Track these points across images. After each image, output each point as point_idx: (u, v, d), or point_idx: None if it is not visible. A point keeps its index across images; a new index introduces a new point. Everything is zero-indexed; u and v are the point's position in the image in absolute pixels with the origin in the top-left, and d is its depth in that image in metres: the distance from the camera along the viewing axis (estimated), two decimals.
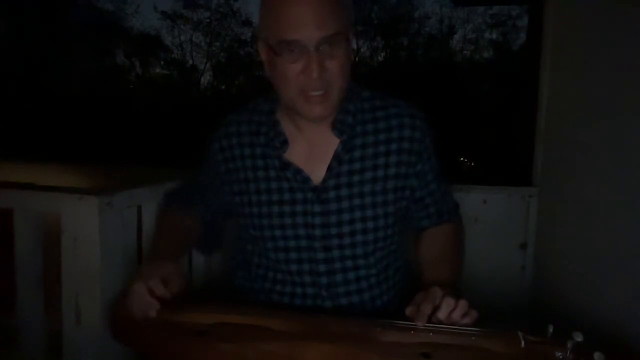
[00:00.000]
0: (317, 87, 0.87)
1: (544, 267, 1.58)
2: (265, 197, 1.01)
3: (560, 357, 0.70)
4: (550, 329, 0.73)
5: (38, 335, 1.17)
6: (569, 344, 0.69)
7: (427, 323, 0.78)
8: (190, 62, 22.17)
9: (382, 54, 20.82)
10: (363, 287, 1.01)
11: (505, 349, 0.73)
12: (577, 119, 1.36)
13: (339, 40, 0.86)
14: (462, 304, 0.80)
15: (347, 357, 0.73)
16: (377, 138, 0.99)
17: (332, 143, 0.99)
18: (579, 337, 0.69)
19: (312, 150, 1.00)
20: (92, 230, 1.04)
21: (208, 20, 21.73)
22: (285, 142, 1.00)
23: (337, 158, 0.98)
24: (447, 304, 0.79)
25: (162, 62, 21.78)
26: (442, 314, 0.79)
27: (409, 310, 0.81)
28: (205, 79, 22.61)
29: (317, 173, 0.99)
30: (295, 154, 1.00)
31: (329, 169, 0.98)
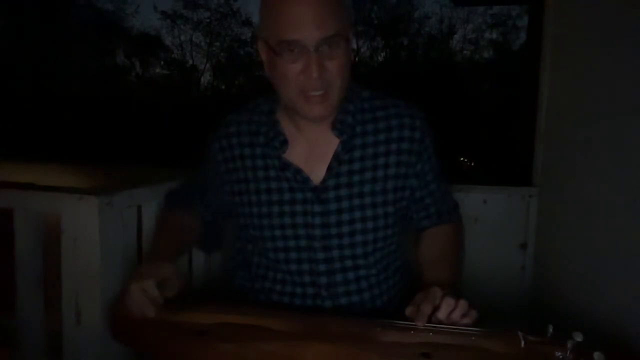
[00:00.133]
0: (317, 87, 0.87)
1: (544, 267, 1.58)
2: (265, 197, 1.01)
3: (560, 357, 0.70)
4: (550, 329, 0.73)
5: (38, 335, 1.17)
6: (569, 344, 0.69)
7: (427, 323, 0.78)
8: (190, 62, 22.19)
9: (382, 54, 20.85)
10: (363, 287, 1.01)
11: (505, 349, 0.73)
12: (577, 119, 1.36)
13: (338, 41, 0.86)
14: (462, 304, 0.80)
15: (347, 357, 0.73)
16: (377, 138, 0.99)
17: (332, 143, 0.99)
18: (579, 337, 0.69)
19: (312, 151, 1.00)
20: (92, 230, 1.04)
21: (208, 20, 21.75)
22: (285, 142, 1.00)
23: (337, 158, 0.98)
24: (447, 304, 0.79)
25: (162, 62, 21.81)
26: (442, 314, 0.79)
27: (408, 311, 0.81)
28: (205, 79, 22.64)
29: (317, 173, 0.99)
30: (295, 154, 1.00)
31: (329, 169, 0.98)
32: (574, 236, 1.33)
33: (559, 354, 0.70)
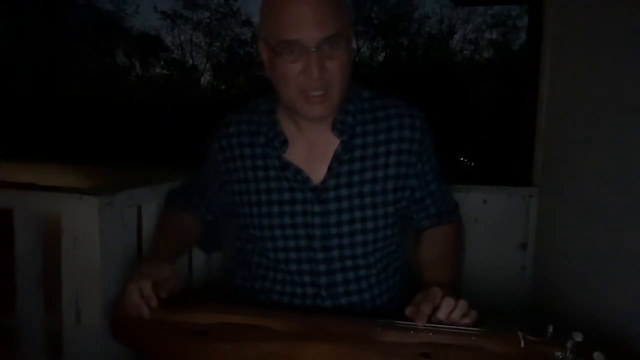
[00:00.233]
0: (317, 87, 0.87)
1: (544, 267, 1.58)
2: (265, 197, 1.01)
3: (560, 357, 0.70)
4: (550, 329, 0.73)
5: (38, 335, 1.17)
6: (569, 344, 0.69)
7: (427, 323, 0.78)
8: (190, 62, 22.19)
9: (382, 54, 20.85)
10: (363, 287, 1.01)
11: (505, 349, 0.73)
12: (577, 119, 1.36)
13: (339, 41, 0.86)
14: (462, 304, 0.80)
15: (347, 357, 0.73)
16: (377, 138, 0.99)
17: (332, 143, 0.99)
18: (578, 337, 0.69)
19: (312, 151, 1.00)
20: (92, 230, 1.04)
21: (208, 20, 21.75)
22: (285, 142, 1.00)
23: (337, 158, 0.98)
24: (447, 304, 0.79)
25: (162, 62, 21.81)
26: (441, 314, 0.79)
27: (408, 311, 0.81)
28: (205, 79, 22.64)
29: (317, 173, 0.99)
30: (295, 154, 1.00)
31: (329, 169, 0.98)
32: (574, 236, 1.33)
33: (559, 354, 0.70)
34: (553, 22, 1.61)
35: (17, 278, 1.15)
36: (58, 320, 1.10)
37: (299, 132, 1.00)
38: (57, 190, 1.11)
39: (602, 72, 1.19)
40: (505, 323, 0.77)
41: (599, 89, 1.20)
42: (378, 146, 0.99)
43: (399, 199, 1.01)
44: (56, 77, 17.60)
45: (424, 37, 20.57)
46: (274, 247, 1.01)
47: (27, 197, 1.12)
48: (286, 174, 1.00)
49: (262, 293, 1.05)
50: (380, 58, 20.79)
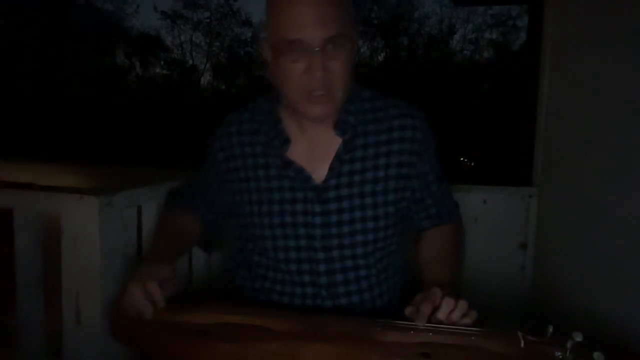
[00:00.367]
0: (320, 87, 0.87)
1: (544, 267, 1.58)
2: (266, 196, 1.01)
3: (560, 357, 0.70)
4: (550, 329, 0.73)
5: (38, 335, 1.17)
6: (569, 344, 0.69)
7: (426, 323, 0.78)
8: (190, 62, 22.20)
9: (382, 54, 20.85)
10: (363, 287, 1.01)
11: (505, 349, 0.73)
12: (577, 119, 1.36)
13: (342, 41, 0.86)
14: (462, 304, 0.80)
15: (347, 357, 0.73)
16: (378, 138, 0.99)
17: (333, 143, 0.99)
18: (578, 337, 0.69)
19: (314, 150, 1.00)
20: (92, 230, 1.04)
21: (208, 20, 21.77)
22: (287, 141, 1.00)
23: (338, 158, 0.98)
24: (447, 304, 0.79)
25: (162, 62, 21.82)
26: (441, 314, 0.79)
27: (408, 311, 0.81)
28: (205, 79, 22.65)
29: (318, 172, 0.99)
30: (297, 153, 1.00)
31: (331, 168, 0.98)
32: (574, 236, 1.34)
33: (559, 354, 0.70)
34: (553, 22, 1.61)
35: (17, 278, 1.15)
36: (58, 320, 1.10)
37: (301, 132, 1.00)
38: (57, 190, 1.11)
39: (602, 72, 1.19)
40: (505, 323, 0.77)
41: (599, 89, 1.20)
42: (379, 146, 0.99)
43: (399, 199, 1.01)
44: (56, 77, 17.60)
45: (424, 37, 20.59)
46: (274, 246, 1.01)
47: (27, 197, 1.12)
48: (288, 172, 1.00)
49: (262, 293, 1.05)
50: (380, 58, 20.81)
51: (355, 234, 0.98)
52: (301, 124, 1.00)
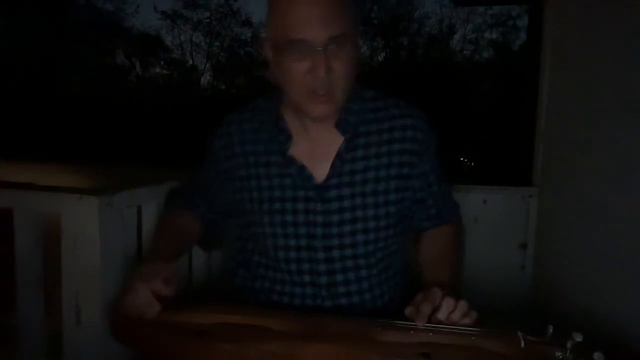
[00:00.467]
0: (323, 86, 0.87)
1: (544, 267, 1.58)
2: (267, 194, 1.01)
3: (560, 357, 0.70)
4: (550, 329, 0.73)
5: (38, 335, 1.17)
6: (569, 344, 0.69)
7: (426, 323, 0.78)
8: (190, 62, 22.22)
9: (382, 54, 20.86)
10: (364, 288, 1.01)
11: (505, 349, 0.73)
12: (577, 119, 1.36)
13: (345, 41, 0.86)
14: (462, 304, 0.80)
15: (347, 357, 0.73)
16: (380, 138, 0.99)
17: (335, 142, 0.99)
18: (578, 337, 0.69)
19: (315, 149, 1.00)
20: (92, 230, 1.04)
21: (208, 20, 21.78)
22: (289, 138, 1.00)
23: (340, 157, 0.98)
24: (447, 304, 0.79)
25: (162, 62, 21.83)
26: (442, 315, 0.79)
27: (408, 311, 0.81)
28: (205, 79, 22.67)
29: (320, 171, 0.99)
30: (298, 152, 1.00)
31: (332, 167, 0.98)
32: (574, 236, 1.34)
33: (559, 354, 0.70)
34: (553, 22, 1.61)
35: (17, 278, 1.15)
36: (58, 320, 1.10)
37: (303, 130, 1.00)
38: (57, 190, 1.11)
39: (602, 72, 1.19)
40: (505, 323, 0.77)
41: (599, 89, 1.20)
42: (381, 146, 0.99)
43: (400, 199, 1.01)
44: (56, 77, 17.60)
45: (424, 37, 20.60)
46: (274, 245, 1.01)
47: (27, 197, 1.12)
48: (289, 170, 1.00)
49: (262, 293, 1.05)
50: (380, 58, 20.82)
51: (356, 234, 0.98)
52: (303, 122, 1.00)
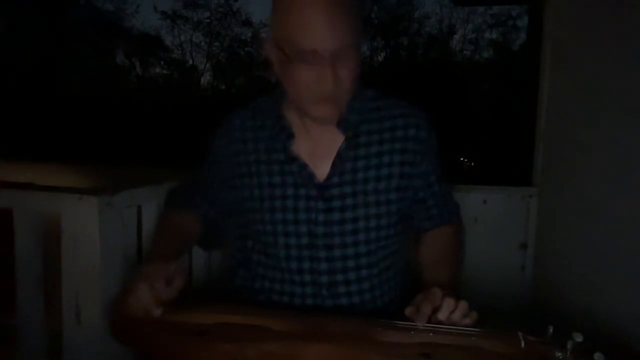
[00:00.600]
0: (329, 93, 0.88)
1: (544, 267, 1.58)
2: (268, 192, 1.01)
3: (560, 357, 0.70)
4: (550, 329, 0.73)
5: (38, 335, 1.17)
6: (569, 344, 0.69)
7: (427, 323, 0.78)
8: (190, 62, 22.20)
9: (382, 54, 20.85)
10: (365, 288, 1.01)
11: (505, 349, 0.73)
12: (577, 119, 1.36)
13: (351, 50, 0.86)
14: (463, 305, 0.80)
15: (347, 357, 0.73)
16: (381, 137, 0.99)
17: (336, 141, 0.99)
18: (579, 338, 0.69)
19: (316, 148, 1.00)
20: (92, 230, 1.04)
21: (208, 20, 21.77)
22: (291, 135, 1.00)
23: (341, 155, 0.98)
24: (448, 304, 0.79)
25: (162, 62, 21.82)
26: (442, 315, 0.79)
27: (408, 311, 0.81)
28: (205, 79, 22.66)
29: (321, 170, 0.99)
30: (300, 150, 1.00)
31: (333, 166, 0.98)
32: (574, 236, 1.34)
33: (559, 354, 0.70)
34: (553, 22, 1.61)
35: (17, 278, 1.15)
36: (58, 320, 1.10)
37: (304, 129, 1.00)
38: (57, 190, 1.11)
39: (602, 72, 1.19)
40: (505, 323, 0.77)
41: (599, 89, 1.20)
42: (382, 145, 0.99)
43: (401, 198, 1.01)
44: (56, 77, 17.60)
45: (424, 37, 20.60)
46: (275, 243, 1.01)
47: (27, 197, 1.12)
48: (291, 168, 1.00)
49: (262, 293, 1.05)
50: (380, 58, 20.81)
51: (357, 233, 0.98)
52: (304, 121, 1.00)
